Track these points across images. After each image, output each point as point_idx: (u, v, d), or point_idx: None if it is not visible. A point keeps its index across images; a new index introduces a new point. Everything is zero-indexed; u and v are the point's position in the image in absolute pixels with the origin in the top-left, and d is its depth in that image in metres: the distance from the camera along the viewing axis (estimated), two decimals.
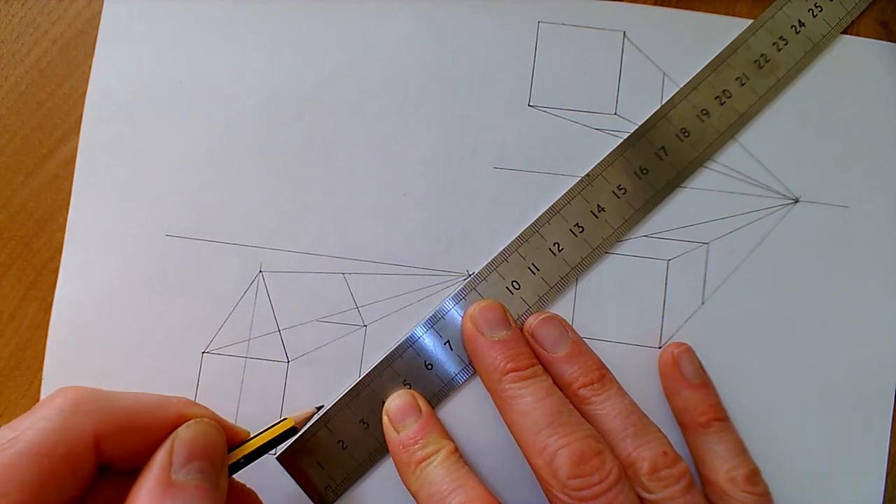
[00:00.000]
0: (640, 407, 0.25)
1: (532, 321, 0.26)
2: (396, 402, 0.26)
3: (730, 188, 0.28)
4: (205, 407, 0.22)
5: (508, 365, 0.24)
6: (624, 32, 0.28)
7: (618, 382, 0.25)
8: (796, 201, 0.28)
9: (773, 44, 0.28)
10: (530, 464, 0.23)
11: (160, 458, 0.19)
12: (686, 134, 0.27)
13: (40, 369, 0.27)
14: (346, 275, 0.27)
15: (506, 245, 0.27)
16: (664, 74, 0.28)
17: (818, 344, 0.27)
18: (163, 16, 0.28)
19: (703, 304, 0.27)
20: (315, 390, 0.27)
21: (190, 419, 0.21)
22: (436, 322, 0.27)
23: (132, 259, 0.27)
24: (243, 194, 0.27)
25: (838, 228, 0.28)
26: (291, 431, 0.23)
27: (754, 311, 0.27)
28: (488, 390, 0.25)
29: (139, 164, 0.27)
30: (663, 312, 0.27)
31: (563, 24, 0.28)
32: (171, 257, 0.27)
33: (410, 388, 0.26)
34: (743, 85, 0.27)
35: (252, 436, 0.23)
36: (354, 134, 0.28)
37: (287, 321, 0.27)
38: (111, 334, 0.27)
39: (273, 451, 0.26)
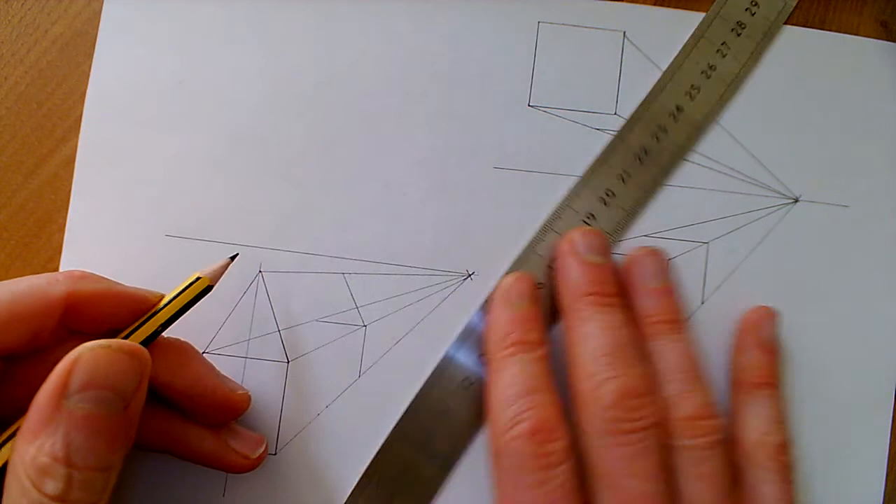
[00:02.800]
0: (701, 362, 0.25)
1: (641, 250, 0.26)
2: (514, 282, 0.25)
3: (730, 188, 0.28)
4: (99, 277, 0.22)
5: (593, 287, 0.24)
6: (624, 32, 0.28)
7: (691, 334, 0.25)
8: (796, 201, 0.28)
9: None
10: (573, 389, 0.23)
11: (55, 377, 0.18)
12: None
13: None
14: (345, 275, 0.27)
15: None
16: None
17: (818, 344, 0.27)
18: (163, 16, 0.28)
19: (702, 303, 0.27)
20: (315, 390, 0.27)
21: (82, 296, 0.21)
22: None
23: (132, 259, 0.27)
24: (243, 194, 0.27)
25: (838, 228, 0.28)
26: (207, 290, 0.23)
27: None
28: (562, 310, 0.25)
29: (139, 164, 0.27)
30: None
31: (563, 24, 0.28)
32: (171, 257, 0.27)
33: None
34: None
35: (166, 301, 0.22)
36: (354, 134, 0.28)
37: (287, 321, 0.27)
38: None
39: (273, 452, 0.26)
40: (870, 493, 0.27)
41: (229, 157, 0.28)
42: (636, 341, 0.24)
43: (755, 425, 0.25)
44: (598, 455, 0.22)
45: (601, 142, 0.28)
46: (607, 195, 0.27)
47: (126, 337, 0.22)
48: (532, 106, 0.28)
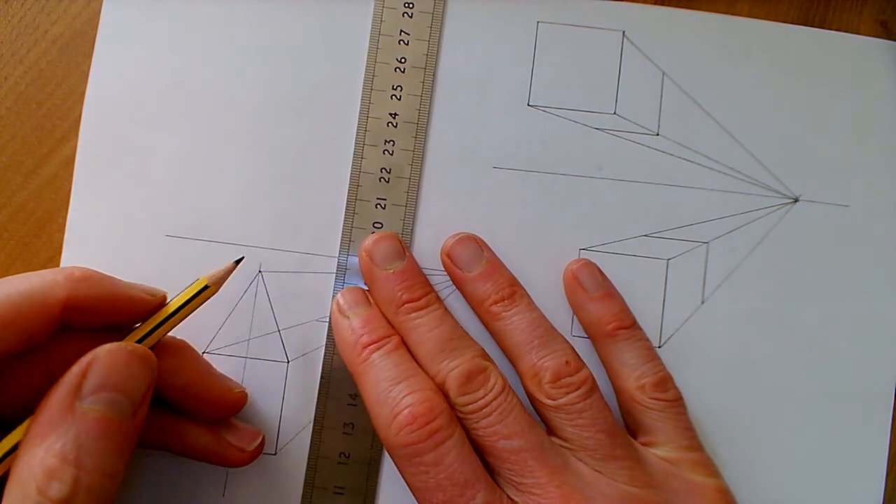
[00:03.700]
0: (548, 320, 0.26)
1: (449, 241, 0.27)
2: (347, 295, 0.26)
3: (730, 188, 0.28)
4: (100, 277, 0.21)
5: (404, 296, 0.25)
6: (623, 32, 0.28)
7: (529, 297, 0.26)
8: (796, 200, 0.28)
9: None
10: None
11: (69, 378, 0.18)
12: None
13: None
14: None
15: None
16: (664, 74, 0.28)
17: (818, 344, 0.27)
18: (162, 16, 0.28)
19: (702, 303, 0.27)
20: (315, 390, 0.27)
21: (82, 299, 0.20)
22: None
23: (132, 259, 0.27)
24: (243, 194, 0.27)
25: (838, 228, 0.28)
26: (205, 289, 0.23)
27: (754, 311, 0.27)
28: (390, 322, 0.25)
29: (139, 164, 0.27)
30: (663, 312, 0.27)
31: (562, 23, 0.28)
32: (171, 257, 0.27)
33: None
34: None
35: (175, 308, 0.22)
36: (354, 134, 0.28)
37: (287, 321, 0.27)
38: None
39: (273, 452, 0.26)
40: (870, 493, 0.27)
41: (229, 157, 0.27)
42: (457, 326, 0.25)
43: (628, 372, 0.25)
44: (473, 433, 0.23)
45: (601, 141, 0.28)
46: (374, 227, 0.27)
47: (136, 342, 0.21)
48: (531, 105, 0.28)
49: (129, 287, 0.22)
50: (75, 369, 0.18)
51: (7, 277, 0.20)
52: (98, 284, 0.21)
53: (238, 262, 0.24)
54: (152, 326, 0.22)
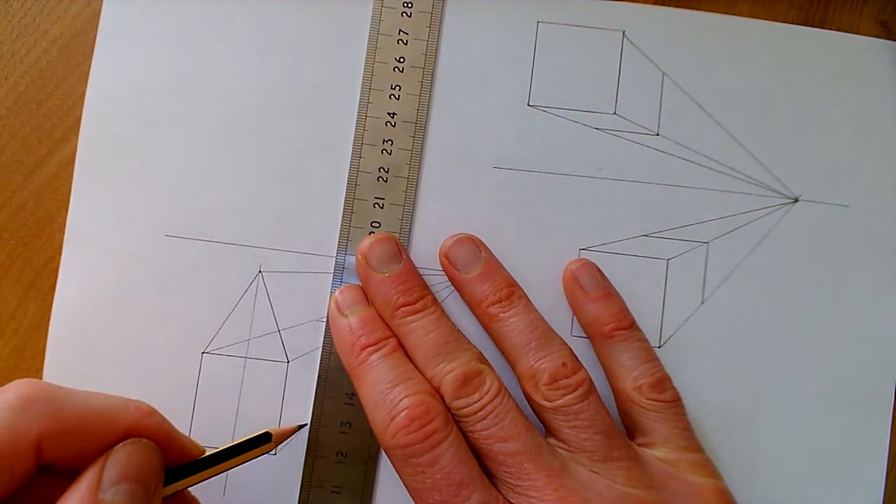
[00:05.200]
0: (546, 321, 0.26)
1: (447, 242, 0.27)
2: (345, 293, 0.26)
3: (730, 188, 0.28)
4: (162, 419, 0.21)
5: (400, 299, 0.25)
6: (623, 32, 0.28)
7: (527, 298, 0.26)
8: (796, 200, 0.28)
9: None
10: None
11: (90, 474, 0.19)
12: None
13: (40, 369, 0.27)
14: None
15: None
16: (664, 74, 0.28)
17: (818, 344, 0.27)
18: (162, 16, 0.28)
19: (702, 303, 0.27)
20: (315, 391, 0.27)
21: (144, 430, 0.20)
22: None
23: (132, 259, 0.27)
24: (243, 194, 0.27)
25: (838, 228, 0.28)
26: (264, 436, 0.23)
27: (754, 311, 0.27)
28: (387, 324, 0.25)
29: (139, 164, 0.27)
30: (663, 312, 0.27)
31: (562, 23, 0.28)
32: (171, 257, 0.27)
33: None
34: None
35: (221, 448, 0.22)
36: (354, 134, 0.28)
37: (287, 321, 0.27)
38: (111, 334, 0.27)
39: (274, 452, 0.26)
40: (870, 493, 0.27)
41: (229, 157, 0.28)
42: (454, 329, 0.25)
43: (625, 373, 0.25)
44: (470, 436, 0.23)
45: (601, 141, 0.28)
46: (372, 226, 0.27)
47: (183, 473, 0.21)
48: (531, 106, 0.28)
49: (180, 434, 0.22)
50: (94, 465, 0.19)
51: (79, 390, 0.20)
52: (159, 423, 0.21)
53: (301, 427, 0.24)
54: (210, 469, 0.22)
